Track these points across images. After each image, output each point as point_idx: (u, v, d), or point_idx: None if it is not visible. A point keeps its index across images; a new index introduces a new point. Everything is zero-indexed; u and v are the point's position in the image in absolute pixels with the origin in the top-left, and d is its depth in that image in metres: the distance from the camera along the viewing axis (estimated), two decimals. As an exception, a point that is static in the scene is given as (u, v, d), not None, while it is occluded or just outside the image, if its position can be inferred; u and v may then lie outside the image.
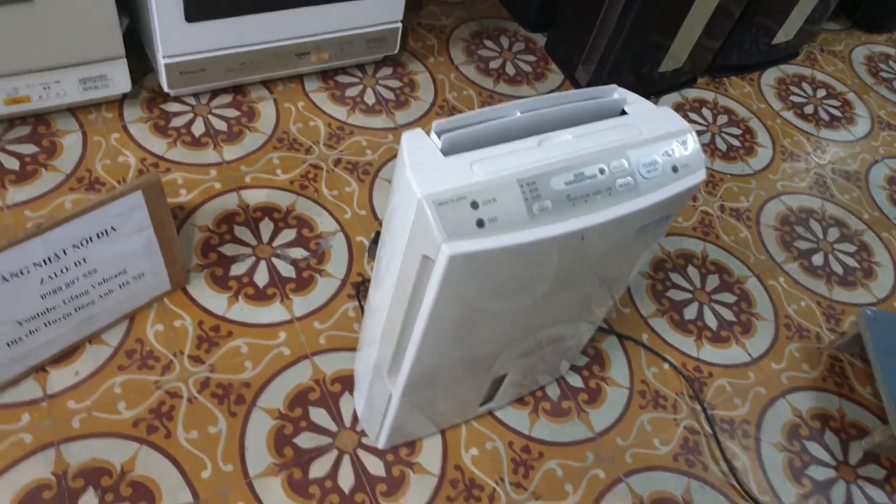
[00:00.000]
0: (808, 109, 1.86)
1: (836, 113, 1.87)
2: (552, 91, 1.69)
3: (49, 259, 0.97)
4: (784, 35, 1.86)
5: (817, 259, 1.52)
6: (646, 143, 0.81)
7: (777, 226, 1.56)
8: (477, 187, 0.72)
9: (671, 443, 1.19)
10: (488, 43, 1.77)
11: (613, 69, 1.63)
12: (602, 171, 0.78)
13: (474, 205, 0.71)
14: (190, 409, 1.06)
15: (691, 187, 0.83)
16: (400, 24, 1.53)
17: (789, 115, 1.83)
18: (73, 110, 1.37)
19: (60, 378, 1.05)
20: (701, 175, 0.84)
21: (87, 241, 1.00)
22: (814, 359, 1.35)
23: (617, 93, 0.87)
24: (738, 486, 1.15)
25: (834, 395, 1.31)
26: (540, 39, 1.82)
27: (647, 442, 1.18)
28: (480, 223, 0.71)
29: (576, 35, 1.69)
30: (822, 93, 1.92)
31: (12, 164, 1.26)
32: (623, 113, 0.86)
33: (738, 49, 1.82)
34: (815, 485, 1.18)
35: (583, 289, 0.94)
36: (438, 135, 0.76)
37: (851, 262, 1.53)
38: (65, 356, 1.07)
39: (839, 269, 1.51)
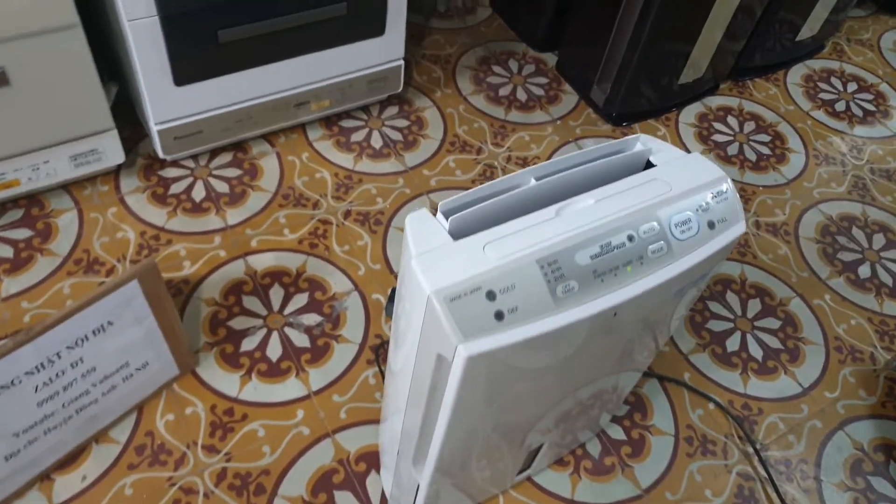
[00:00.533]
0: (840, 106, 1.75)
1: (870, 107, 1.76)
2: (567, 114, 1.61)
3: (42, 365, 0.91)
4: (809, 30, 1.76)
5: (864, 271, 1.42)
6: (677, 200, 0.73)
7: (818, 238, 1.46)
8: (493, 274, 0.64)
9: (724, 492, 1.10)
10: (496, 68, 1.69)
11: (631, 85, 1.54)
12: (631, 239, 0.69)
13: (491, 295, 0.63)
14: (208, 506, 1.00)
15: (730, 243, 0.75)
16: (402, 62, 1.46)
17: (819, 114, 1.72)
18: (67, 187, 1.32)
19: (67, 485, 0.99)
20: (740, 228, 0.75)
21: (83, 341, 0.95)
22: (870, 383, 1.25)
23: (640, 142, 0.78)
24: (804, 541, 1.06)
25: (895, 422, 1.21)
26: (550, 59, 1.74)
27: (699, 493, 1.09)
28: (499, 315, 0.64)
29: (588, 52, 1.61)
30: (852, 87, 1.81)
31: (6, 251, 1.21)
32: (649, 164, 0.78)
33: (761, 49, 1.72)
34: (889, 532, 1.09)
35: (620, 347, 0.86)
36: (446, 216, 0.68)
37: (902, 271, 1.43)
38: (70, 460, 1.02)
39: (888, 280, 1.41)
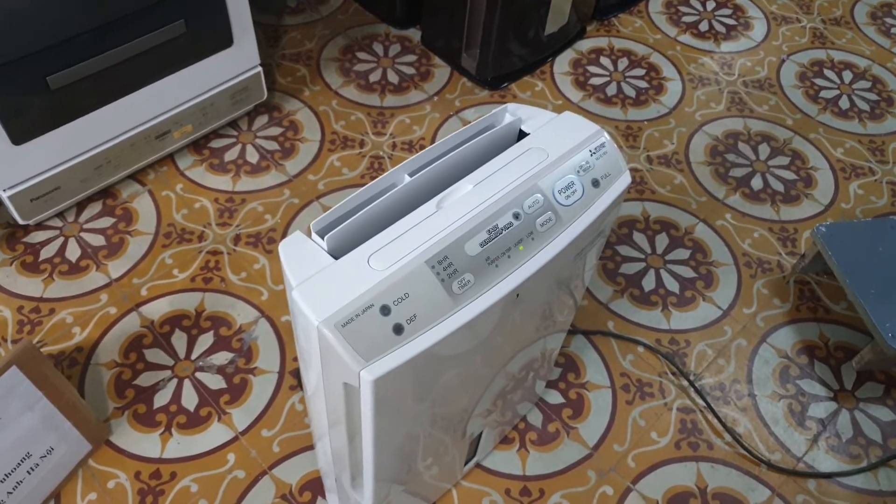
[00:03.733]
0: (703, 26, 1.78)
1: (731, 21, 1.80)
2: (442, 89, 1.57)
3: (-72, 484, 0.82)
4: (655, -43, 1.77)
5: (756, 182, 1.45)
6: (556, 165, 0.70)
7: (708, 160, 1.49)
8: (382, 287, 0.60)
9: (669, 431, 1.11)
10: (362, 55, 1.63)
11: (499, 46, 1.51)
12: (517, 217, 0.67)
13: (385, 310, 0.60)
14: (152, 582, 0.93)
15: (618, 197, 0.73)
16: (260, 68, 1.38)
17: (686, 37, 1.75)
18: (-75, 275, 1.20)
19: None
20: (625, 180, 0.74)
21: (-30, 444, 0.86)
22: (782, 290, 1.29)
23: (509, 113, 0.76)
24: (746, 452, 1.08)
25: (812, 323, 1.25)
26: (415, 35, 1.69)
27: (645, 438, 1.10)
28: (398, 329, 0.60)
29: (450, 20, 1.57)
30: (711, 4, 1.84)
31: None
32: (523, 134, 0.75)
33: (615, -16, 1.73)
34: (820, 424, 1.13)
35: (537, 314, 0.84)
36: (321, 235, 0.64)
37: (789, 175, 1.47)
38: (-9, 571, 0.93)
39: (780, 187, 1.45)
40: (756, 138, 1.53)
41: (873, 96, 1.64)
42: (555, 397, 1.13)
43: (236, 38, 1.28)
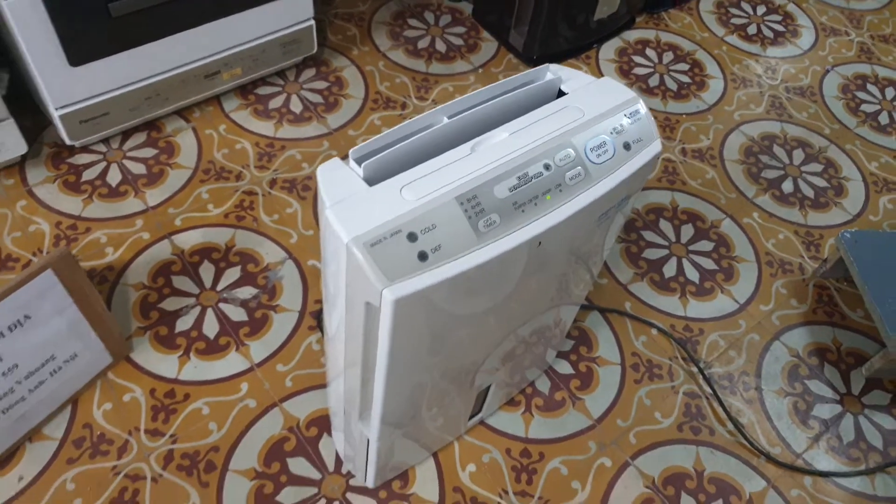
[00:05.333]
0: (752, 30, 1.78)
1: (780, 28, 1.80)
2: (488, 62, 1.59)
3: (-40, 367, 0.87)
4: (713, -45, 1.77)
5: (787, 186, 1.46)
6: (591, 125, 0.72)
7: (742, 159, 1.49)
8: (412, 215, 0.63)
9: (673, 413, 1.13)
10: (413, 22, 1.66)
11: (547, 26, 1.53)
12: (548, 167, 0.69)
13: (412, 237, 0.62)
14: (156, 490, 0.97)
15: (648, 163, 0.75)
16: (313, 21, 1.41)
17: (733, 38, 1.75)
18: (-28, 183, 1.25)
19: (2, 487, 0.95)
20: (656, 147, 0.75)
21: None
22: (801, 292, 1.30)
23: (550, 72, 0.78)
24: (747, 443, 1.10)
25: (827, 326, 1.25)
26: (466, 7, 1.71)
27: (649, 417, 1.11)
28: (423, 256, 0.63)
29: (500, -3, 1.59)
30: (762, 9, 1.84)
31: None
32: (561, 94, 0.77)
33: (670, -21, 1.73)
34: (823, 424, 1.13)
35: (554, 280, 0.86)
36: (358, 162, 0.66)
37: (821, 182, 1.47)
38: (3, 462, 0.98)
39: (810, 193, 1.45)
40: (792, 143, 1.54)
41: (917, 115, 1.63)
42: (565, 367, 1.15)
43: (292, -12, 1.31)
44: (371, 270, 0.61)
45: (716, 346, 1.21)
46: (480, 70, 1.57)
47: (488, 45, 1.63)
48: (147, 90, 1.28)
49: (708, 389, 1.15)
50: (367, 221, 0.62)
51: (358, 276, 0.63)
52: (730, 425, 1.12)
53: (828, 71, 1.70)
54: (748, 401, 1.15)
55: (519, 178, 0.67)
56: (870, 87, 1.68)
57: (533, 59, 1.60)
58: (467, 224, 0.65)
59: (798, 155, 1.52)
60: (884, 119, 1.62)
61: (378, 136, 0.68)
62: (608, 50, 1.67)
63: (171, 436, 1.02)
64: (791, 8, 1.85)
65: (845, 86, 1.68)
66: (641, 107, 0.75)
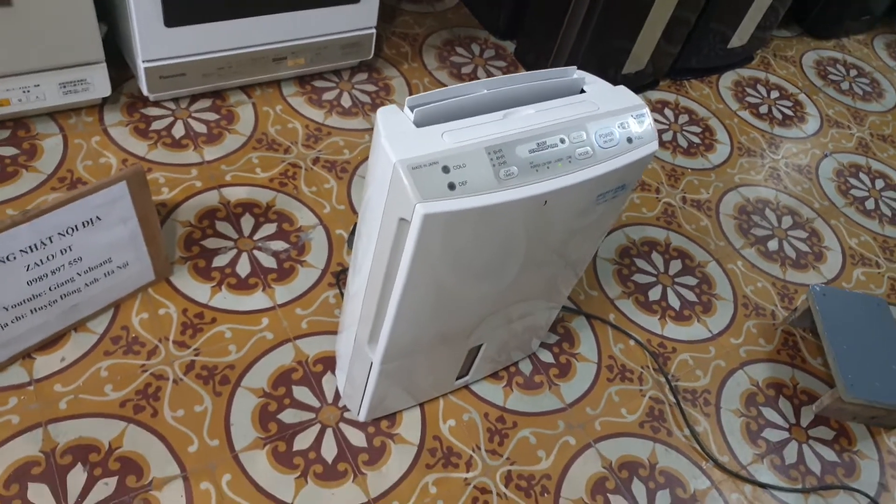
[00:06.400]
0: (763, 109, 1.96)
1: (789, 112, 1.98)
2: (519, 93, 1.77)
3: (35, 246, 1.01)
4: (738, 40, 1.96)
5: (772, 245, 1.60)
6: (603, 117, 0.88)
7: (735, 215, 1.65)
8: (448, 154, 0.78)
9: (637, 411, 1.25)
10: (460, 50, 1.85)
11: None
12: (563, 141, 0.84)
13: (445, 169, 0.77)
14: (176, 390, 1.10)
15: (645, 157, 0.90)
16: (374, 31, 1.60)
17: (745, 114, 1.93)
18: (53, 115, 1.41)
19: (47, 364, 1.08)
20: (653, 146, 0.91)
21: (73, 230, 1.05)
22: (769, 334, 1.43)
23: (576, 73, 0.94)
24: (699, 448, 1.21)
25: (787, 366, 1.38)
26: (510, 46, 1.90)
27: (615, 411, 1.24)
28: (452, 186, 0.77)
29: (543, 41, 1.77)
30: (775, 94, 2.02)
31: (-4, 164, 1.30)
32: (582, 91, 0.93)
33: (697, 53, 1.92)
34: (770, 445, 1.25)
35: (549, 264, 1.00)
36: (411, 109, 0.82)
37: (804, 246, 1.62)
38: (51, 343, 1.11)
39: (792, 254, 1.60)
40: (783, 209, 1.69)
41: (899, 206, 1.79)
42: (547, 357, 1.28)
43: (363, -2, 1.51)
44: (410, 188, 0.75)
45: (685, 364, 1.34)
46: (514, 101, 1.75)
47: (524, 81, 1.81)
48: (221, 61, 1.46)
49: (672, 398, 1.28)
50: (412, 151, 0.77)
51: (398, 192, 0.77)
52: (686, 431, 1.24)
53: (826, 155, 1.87)
54: (706, 414, 1.27)
55: (538, 144, 0.83)
56: (862, 175, 1.85)
57: (562, 99, 1.77)
58: (491, 170, 0.80)
59: (787, 220, 1.67)
60: (870, 205, 1.77)
61: (430, 91, 0.83)
62: (630, 104, 1.84)
63: (195, 349, 1.15)
64: (802, 98, 2.04)
65: (840, 171, 1.84)
66: (647, 112, 0.91)
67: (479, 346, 1.11)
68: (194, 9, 1.34)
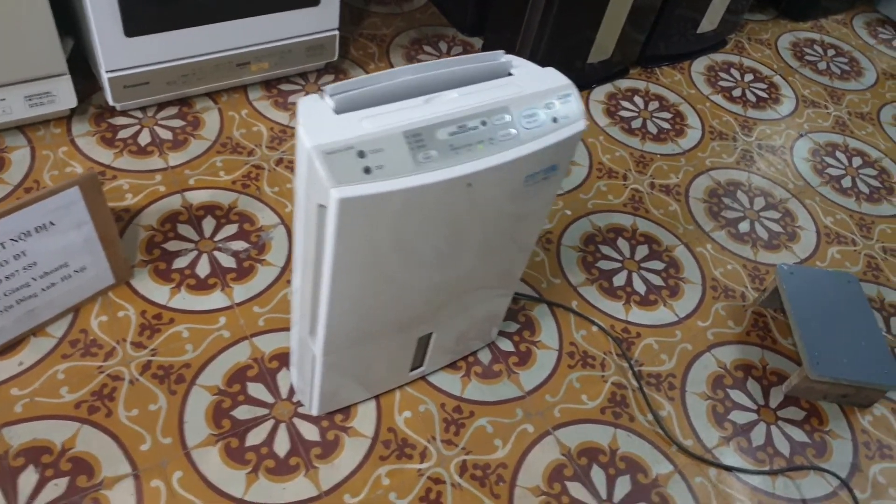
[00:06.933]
0: (736, 93, 1.95)
1: (763, 94, 1.96)
2: (486, 88, 1.77)
3: (-12, 251, 1.03)
4: (709, 23, 1.95)
5: (743, 226, 1.59)
6: (527, 99, 0.88)
7: (705, 198, 1.64)
8: (364, 139, 0.79)
9: (599, 398, 1.24)
10: (428, 48, 1.86)
11: (544, 65, 1.71)
12: (484, 123, 0.85)
13: (361, 154, 0.78)
14: (131, 390, 1.11)
15: (571, 136, 0.90)
16: (337, 32, 1.61)
17: (718, 98, 1.92)
18: (22, 128, 1.44)
19: (4, 369, 1.10)
20: (580, 125, 0.91)
21: (26, 235, 1.06)
22: (739, 316, 1.42)
23: (504, 57, 0.94)
24: (662, 432, 1.21)
25: (757, 348, 1.37)
26: (478, 43, 1.91)
27: (576, 398, 1.23)
28: (367, 170, 0.78)
29: (508, 36, 1.78)
30: (749, 77, 2.01)
31: (-38, 176, 1.33)
32: (510, 74, 0.93)
33: (666, 39, 1.92)
34: (737, 428, 1.24)
35: (489, 250, 1.00)
36: (332, 96, 0.83)
37: (776, 227, 1.61)
38: (8, 349, 1.13)
39: (764, 235, 1.58)
40: (755, 191, 1.68)
41: (876, 183, 1.77)
42: (507, 345, 1.28)
43: (322, 1, 1.52)
44: (324, 172, 0.76)
45: (650, 349, 1.33)
46: (481, 95, 1.75)
47: (493, 76, 1.82)
48: (184, 68, 1.48)
49: (635, 384, 1.27)
50: (328, 137, 0.78)
51: (315, 179, 0.78)
52: (650, 416, 1.23)
53: (801, 135, 1.86)
54: (670, 398, 1.26)
55: (459, 126, 0.83)
56: (839, 154, 1.83)
57: (530, 92, 1.77)
58: (408, 154, 0.80)
59: (759, 202, 1.66)
60: (846, 183, 1.76)
61: (352, 79, 0.84)
62: (599, 93, 1.84)
63: (152, 349, 1.16)
64: (777, 79, 2.03)
65: (815, 150, 1.83)
66: (573, 92, 0.91)
67: (430, 336, 1.12)
68: (154, 18, 1.36)
